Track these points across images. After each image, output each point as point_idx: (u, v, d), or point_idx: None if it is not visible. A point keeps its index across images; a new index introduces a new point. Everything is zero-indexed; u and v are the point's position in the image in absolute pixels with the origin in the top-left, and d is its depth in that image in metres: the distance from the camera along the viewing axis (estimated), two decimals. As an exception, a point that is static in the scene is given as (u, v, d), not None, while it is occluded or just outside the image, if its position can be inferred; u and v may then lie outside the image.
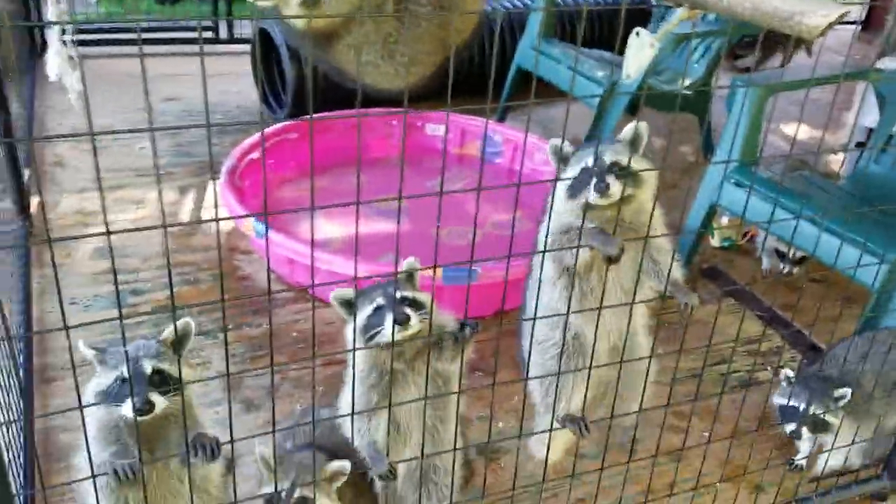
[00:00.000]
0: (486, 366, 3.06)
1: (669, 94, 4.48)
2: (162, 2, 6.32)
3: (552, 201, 2.22)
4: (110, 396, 1.77)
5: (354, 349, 2.00)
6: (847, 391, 2.56)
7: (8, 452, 2.17)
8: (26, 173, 3.77)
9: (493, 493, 2.42)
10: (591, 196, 2.10)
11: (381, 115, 4.68)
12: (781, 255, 3.75)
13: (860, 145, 4.44)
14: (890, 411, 2.66)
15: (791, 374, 2.69)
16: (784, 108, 4.31)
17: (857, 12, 7.59)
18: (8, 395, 2.40)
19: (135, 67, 5.56)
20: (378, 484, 2.24)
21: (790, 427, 2.62)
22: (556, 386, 2.14)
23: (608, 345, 2.32)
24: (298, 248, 3.36)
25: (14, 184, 3.64)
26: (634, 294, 2.01)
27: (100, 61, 5.66)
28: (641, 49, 2.09)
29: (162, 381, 1.79)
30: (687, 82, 4.78)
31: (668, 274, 2.15)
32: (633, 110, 4.42)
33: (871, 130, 4.39)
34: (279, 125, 4.53)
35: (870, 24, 8.16)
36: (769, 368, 3.30)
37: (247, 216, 3.50)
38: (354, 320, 2.02)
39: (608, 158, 2.11)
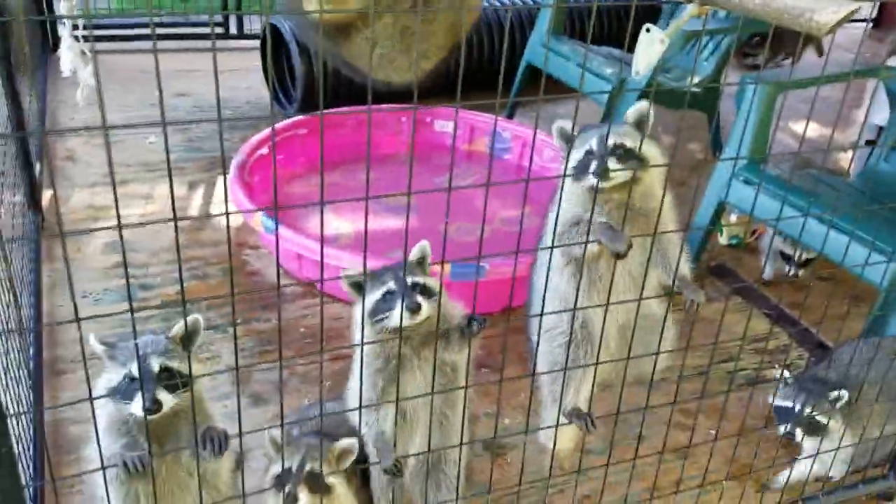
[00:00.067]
0: (494, 362, 3.06)
1: (678, 92, 4.47)
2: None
3: (562, 189, 2.21)
4: (119, 393, 1.79)
5: (363, 341, 1.98)
6: (844, 393, 2.50)
7: (18, 444, 2.19)
8: (38, 167, 3.79)
9: (499, 488, 2.43)
10: (592, 179, 2.09)
11: (391, 111, 4.69)
12: (787, 258, 3.72)
13: (870, 143, 4.42)
14: (882, 420, 2.58)
15: (788, 375, 2.64)
16: (794, 105, 4.29)
17: (868, 10, 7.55)
18: (18, 386, 2.42)
19: (143, 63, 5.60)
20: (382, 479, 2.23)
21: (784, 428, 2.56)
22: (563, 378, 2.14)
23: (618, 324, 2.30)
24: (307, 243, 3.37)
25: (26, 178, 3.67)
26: (642, 289, 2.01)
27: (107, 57, 5.68)
28: (651, 45, 2.08)
29: (170, 378, 1.80)
30: (696, 80, 4.77)
31: (676, 269, 2.14)
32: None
33: (881, 128, 4.37)
34: (289, 121, 4.54)
35: (881, 21, 8.13)
36: (776, 366, 3.29)
37: (257, 210, 3.51)
38: (363, 303, 2.00)
39: (611, 140, 2.09)
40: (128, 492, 1.85)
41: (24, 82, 3.85)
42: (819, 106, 2.09)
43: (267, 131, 4.30)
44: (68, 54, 3.27)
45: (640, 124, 2.15)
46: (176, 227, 1.34)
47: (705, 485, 2.39)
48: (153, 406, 1.74)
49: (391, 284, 1.98)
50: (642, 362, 2.26)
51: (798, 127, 5.62)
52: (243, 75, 5.59)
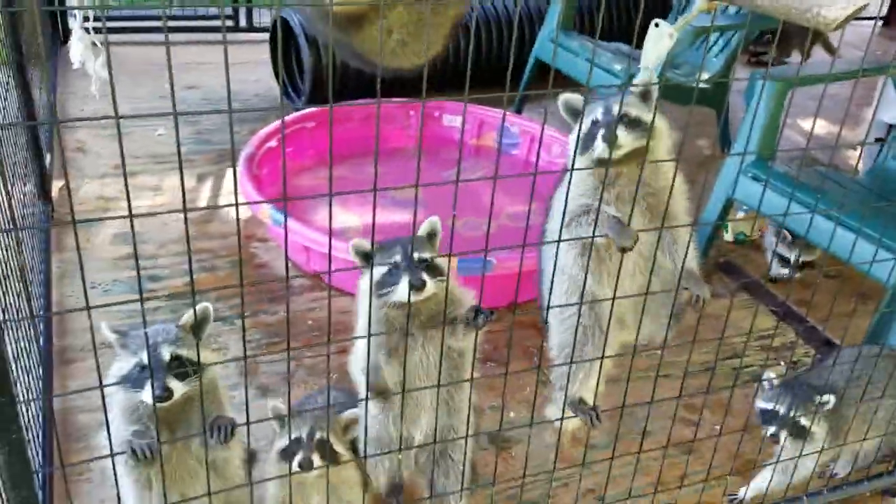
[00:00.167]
0: (499, 356, 3.08)
1: (687, 87, 4.47)
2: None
3: (571, 173, 2.19)
4: (130, 381, 1.81)
5: (370, 311, 1.89)
6: (830, 398, 2.43)
7: (28, 431, 2.22)
8: (48, 158, 3.82)
9: (503, 481, 2.44)
10: (600, 147, 2.07)
11: (399, 104, 4.70)
12: (785, 261, 3.69)
13: (879, 141, 4.41)
14: (864, 427, 2.52)
15: (774, 377, 2.56)
16: (802, 102, 4.29)
17: (877, 8, 7.52)
18: (28, 374, 2.45)
19: (152, 56, 5.62)
20: (385, 470, 2.25)
21: (770, 430, 2.48)
22: (572, 352, 2.13)
23: (629, 301, 2.23)
24: (315, 236, 3.38)
25: (36, 168, 3.69)
26: (650, 280, 1.99)
27: (117, 49, 5.70)
28: (660, 40, 2.09)
29: (181, 366, 1.82)
30: (705, 76, 4.76)
31: (683, 263, 2.12)
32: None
33: (890, 126, 4.36)
34: (297, 113, 4.56)
35: (891, 20, 8.10)
36: (782, 363, 3.30)
37: (265, 202, 3.52)
38: (371, 272, 1.97)
39: (617, 109, 2.05)
40: (138, 478, 1.87)
41: (35, 73, 3.88)
42: (827, 103, 2.08)
43: (275, 124, 4.32)
44: (78, 46, 3.29)
45: (645, 95, 2.14)
46: (186, 218, 1.35)
47: (709, 479, 2.40)
48: (164, 394, 1.76)
49: (398, 258, 1.98)
50: (655, 327, 2.27)
51: (806, 124, 5.61)
52: (252, 68, 5.61)
